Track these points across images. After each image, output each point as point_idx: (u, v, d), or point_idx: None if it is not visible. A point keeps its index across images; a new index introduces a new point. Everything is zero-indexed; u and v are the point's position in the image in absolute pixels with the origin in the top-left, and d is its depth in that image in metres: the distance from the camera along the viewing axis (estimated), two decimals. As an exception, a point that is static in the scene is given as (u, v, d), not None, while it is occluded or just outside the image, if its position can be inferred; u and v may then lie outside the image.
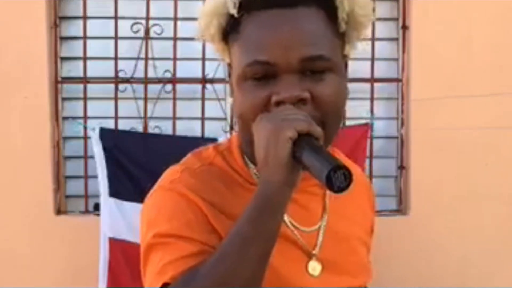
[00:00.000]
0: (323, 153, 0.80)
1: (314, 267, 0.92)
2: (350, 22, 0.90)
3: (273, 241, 0.80)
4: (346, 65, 0.94)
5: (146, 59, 2.99)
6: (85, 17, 2.99)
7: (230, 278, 0.78)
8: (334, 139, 0.93)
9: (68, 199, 3.08)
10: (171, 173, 0.97)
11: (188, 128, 3.04)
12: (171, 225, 0.88)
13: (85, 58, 2.99)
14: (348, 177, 0.77)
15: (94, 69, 3.02)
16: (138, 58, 2.99)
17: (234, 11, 0.86)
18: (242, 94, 0.87)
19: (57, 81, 3.01)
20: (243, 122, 0.89)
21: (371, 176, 2.98)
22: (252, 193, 0.83)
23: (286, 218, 0.90)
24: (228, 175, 0.94)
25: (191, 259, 0.85)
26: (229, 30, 0.90)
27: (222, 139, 2.83)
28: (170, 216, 0.90)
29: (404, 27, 3.07)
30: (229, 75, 0.92)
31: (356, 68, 3.07)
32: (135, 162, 2.77)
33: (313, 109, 0.86)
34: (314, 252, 0.92)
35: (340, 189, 0.77)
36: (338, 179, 0.76)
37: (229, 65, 0.92)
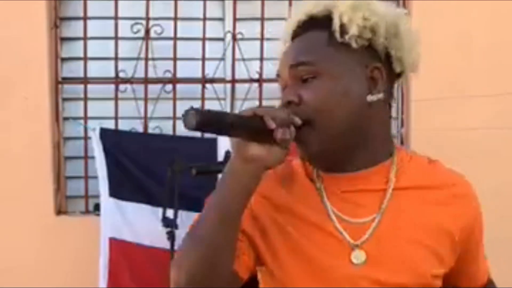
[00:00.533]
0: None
1: (358, 256, 0.98)
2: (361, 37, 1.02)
3: (229, 208, 0.95)
4: (374, 78, 1.04)
5: (146, 59, 3.00)
6: (85, 18, 2.99)
7: (201, 237, 0.96)
8: (332, 137, 1.00)
9: (69, 199, 3.09)
10: None
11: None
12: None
13: (85, 59, 2.99)
14: (193, 117, 0.92)
15: (95, 69, 3.03)
16: (138, 58, 2.99)
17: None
18: None
19: (58, 82, 3.01)
20: None
21: (371, 176, 2.98)
22: (305, 188, 1.04)
23: (331, 212, 1.01)
24: (293, 171, 1.07)
25: None
26: None
27: (221, 139, 2.84)
28: None
29: (404, 27, 3.07)
30: None
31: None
32: (135, 162, 2.77)
33: (299, 110, 0.99)
34: (357, 243, 0.99)
35: (187, 126, 0.95)
36: (186, 119, 0.94)
37: None
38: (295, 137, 0.96)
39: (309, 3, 1.05)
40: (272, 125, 0.91)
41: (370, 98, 1.02)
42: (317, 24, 1.03)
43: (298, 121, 0.96)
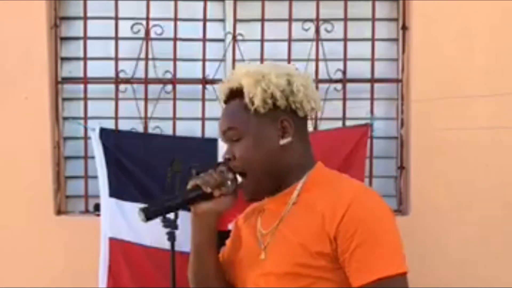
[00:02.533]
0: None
1: (263, 254, 1.39)
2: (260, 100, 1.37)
3: (200, 248, 1.45)
4: (284, 127, 1.38)
5: (147, 59, 3.00)
6: (85, 18, 3.00)
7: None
8: (261, 182, 1.38)
9: (68, 199, 3.09)
10: None
11: (188, 129, 3.04)
12: None
13: (85, 59, 3.00)
14: (141, 215, 1.39)
15: (95, 69, 3.03)
16: (138, 59, 3.00)
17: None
18: None
19: (58, 82, 3.01)
20: None
21: (371, 176, 2.99)
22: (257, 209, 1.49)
23: (258, 223, 1.44)
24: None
25: None
26: None
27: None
28: None
29: (404, 28, 3.07)
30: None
31: (356, 68, 3.09)
32: (135, 162, 2.77)
33: (235, 164, 1.38)
34: (264, 245, 1.39)
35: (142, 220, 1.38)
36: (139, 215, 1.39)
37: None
38: (239, 185, 1.38)
39: (231, 77, 1.43)
40: (207, 190, 1.35)
41: (282, 142, 1.36)
42: (236, 94, 1.39)
43: (230, 176, 1.38)
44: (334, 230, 1.26)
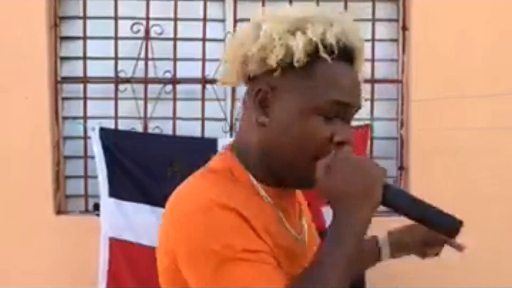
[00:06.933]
0: (420, 202, 1.07)
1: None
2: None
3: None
4: None
5: (146, 59, 2.99)
6: (85, 17, 2.99)
7: (341, 285, 0.95)
8: None
9: (68, 199, 3.09)
10: (201, 191, 1.01)
11: (188, 128, 3.04)
12: (244, 240, 0.96)
13: (85, 58, 3.00)
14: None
15: (94, 69, 3.02)
16: (138, 58, 2.99)
17: (324, 55, 1.00)
18: (308, 126, 1.01)
19: (57, 81, 3.01)
20: (300, 148, 1.01)
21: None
22: (268, 208, 1.04)
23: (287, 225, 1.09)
24: (247, 191, 1.05)
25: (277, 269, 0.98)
26: (294, 65, 1.00)
27: (221, 139, 2.84)
28: (236, 232, 0.96)
29: (404, 28, 3.07)
30: (261, 94, 1.04)
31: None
32: (135, 162, 2.77)
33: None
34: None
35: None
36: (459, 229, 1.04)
37: (272, 88, 1.03)
38: None
39: (345, 27, 1.04)
40: None
41: None
42: (349, 58, 1.05)
43: None
44: None
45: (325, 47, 1.00)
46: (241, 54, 1.04)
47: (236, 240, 0.94)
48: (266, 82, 1.03)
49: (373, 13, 3.05)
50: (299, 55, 0.99)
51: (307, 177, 1.01)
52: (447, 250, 1.56)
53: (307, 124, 1.01)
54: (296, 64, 1.00)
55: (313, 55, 1.00)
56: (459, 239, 1.23)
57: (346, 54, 1.03)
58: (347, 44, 1.02)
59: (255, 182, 1.06)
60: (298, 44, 0.99)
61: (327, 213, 2.26)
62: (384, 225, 1.47)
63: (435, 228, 1.06)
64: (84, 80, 3.00)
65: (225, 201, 0.96)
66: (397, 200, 1.03)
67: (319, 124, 1.01)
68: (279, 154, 1.03)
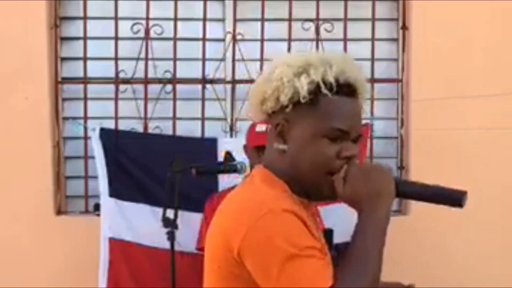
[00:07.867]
0: (426, 185, 1.33)
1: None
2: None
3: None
4: None
5: (146, 59, 3.00)
6: (85, 18, 2.99)
7: (377, 273, 1.14)
8: None
9: (68, 199, 3.09)
10: (267, 197, 1.20)
11: (188, 128, 3.04)
12: (305, 239, 1.15)
13: (85, 59, 3.00)
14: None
15: (94, 69, 3.03)
16: (138, 59, 2.99)
17: (325, 91, 1.22)
18: (317, 147, 1.24)
19: (57, 82, 3.01)
20: (314, 166, 1.23)
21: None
22: (305, 214, 1.21)
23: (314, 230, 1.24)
24: (293, 199, 1.25)
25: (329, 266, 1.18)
26: (303, 101, 1.23)
27: (221, 139, 2.84)
28: (299, 232, 1.15)
29: (404, 28, 3.07)
30: (279, 127, 1.26)
31: (356, 68, 3.08)
32: (135, 162, 2.78)
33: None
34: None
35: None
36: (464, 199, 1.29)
37: (287, 121, 1.25)
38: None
39: (346, 66, 1.25)
40: None
41: None
42: (351, 92, 1.25)
43: None
44: None
45: (325, 85, 1.22)
46: (260, 94, 1.28)
47: (300, 239, 1.13)
48: (282, 117, 1.25)
49: (373, 13, 3.05)
50: (303, 94, 1.21)
51: (326, 190, 1.23)
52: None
53: (316, 146, 1.23)
54: (302, 101, 1.22)
55: (317, 92, 1.22)
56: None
57: (346, 89, 1.24)
58: (346, 81, 1.23)
59: (290, 193, 1.26)
60: (303, 85, 1.21)
61: (324, 212, 2.28)
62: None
63: (445, 202, 1.28)
64: (85, 80, 3.00)
65: (287, 206, 1.16)
66: (408, 189, 1.29)
67: (326, 145, 1.23)
68: (299, 172, 1.25)
